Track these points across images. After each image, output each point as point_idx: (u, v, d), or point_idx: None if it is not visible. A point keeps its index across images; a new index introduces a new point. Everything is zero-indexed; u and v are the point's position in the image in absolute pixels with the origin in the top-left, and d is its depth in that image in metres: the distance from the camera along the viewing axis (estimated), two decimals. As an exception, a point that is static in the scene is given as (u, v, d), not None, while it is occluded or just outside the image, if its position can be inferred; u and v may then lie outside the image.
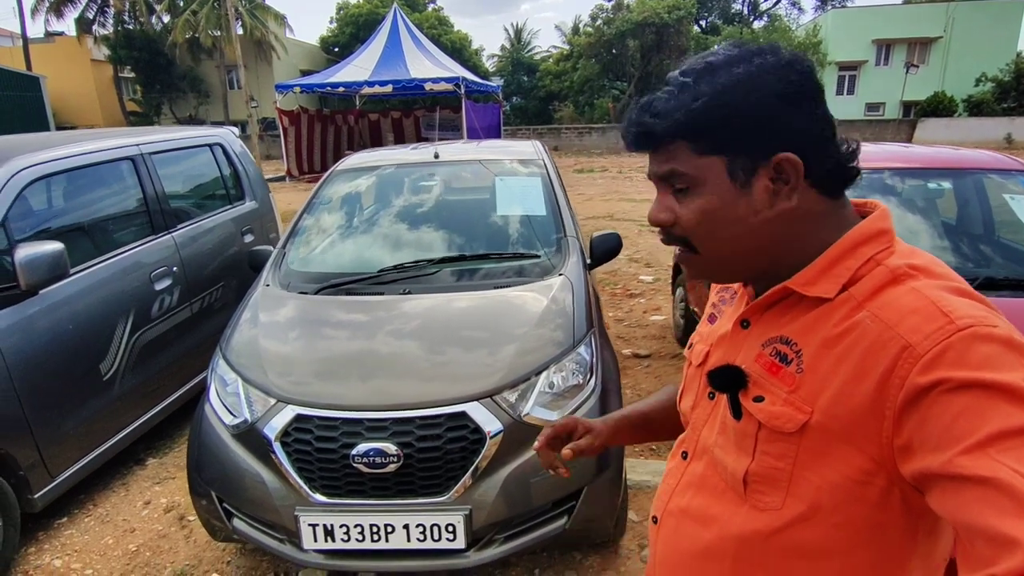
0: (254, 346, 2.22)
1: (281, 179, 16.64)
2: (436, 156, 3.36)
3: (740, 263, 0.76)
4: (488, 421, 1.87)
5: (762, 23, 34.23)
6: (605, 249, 2.84)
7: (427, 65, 17.54)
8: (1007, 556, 0.49)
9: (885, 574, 0.71)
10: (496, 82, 37.35)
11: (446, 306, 2.34)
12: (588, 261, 2.80)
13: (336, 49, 31.07)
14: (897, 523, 0.68)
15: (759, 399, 0.73)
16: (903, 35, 28.57)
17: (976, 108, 25.72)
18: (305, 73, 27.83)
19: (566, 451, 1.04)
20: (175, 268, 3.34)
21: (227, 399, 2.11)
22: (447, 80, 16.75)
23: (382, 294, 2.44)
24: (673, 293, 5.05)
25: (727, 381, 0.78)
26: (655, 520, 0.91)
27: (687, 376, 0.92)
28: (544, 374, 2.02)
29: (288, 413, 1.93)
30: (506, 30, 42.89)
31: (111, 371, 2.83)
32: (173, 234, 3.44)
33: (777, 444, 0.71)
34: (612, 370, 2.26)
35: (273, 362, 2.13)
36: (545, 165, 3.22)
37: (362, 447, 1.83)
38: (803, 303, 0.73)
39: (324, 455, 1.87)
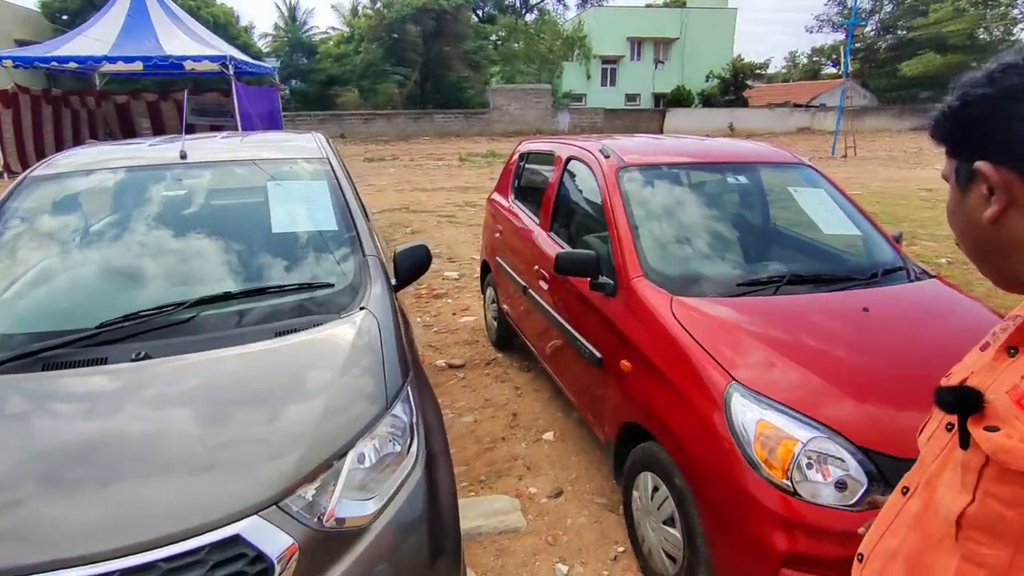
0: None
1: (-6, 176, 13.03)
2: (183, 155, 2.59)
3: (978, 262, 0.76)
4: (275, 540, 1.34)
5: (533, 16, 36.21)
6: (412, 265, 2.41)
7: (185, 41, 15.04)
8: None
9: None
10: (272, 63, 34.01)
11: (203, 371, 1.70)
12: (393, 282, 2.35)
13: (65, 17, 25.40)
14: None
15: (992, 429, 0.65)
16: (650, 34, 32.52)
17: (708, 100, 30.38)
18: (22, 44, 22.13)
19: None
20: None
21: None
22: (211, 59, 14.55)
23: (104, 361, 1.71)
24: (483, 292, 4.82)
25: (955, 400, 0.70)
26: (860, 558, 0.86)
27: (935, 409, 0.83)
28: (351, 452, 1.54)
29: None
30: (278, 7, 39.10)
31: None
32: None
33: (1009, 487, 0.63)
34: (436, 424, 1.86)
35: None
36: (331, 164, 2.66)
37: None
38: None
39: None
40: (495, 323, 4.41)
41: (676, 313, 2.16)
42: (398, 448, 1.67)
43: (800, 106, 28.57)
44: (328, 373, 1.72)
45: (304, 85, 35.74)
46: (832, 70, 38.99)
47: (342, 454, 1.52)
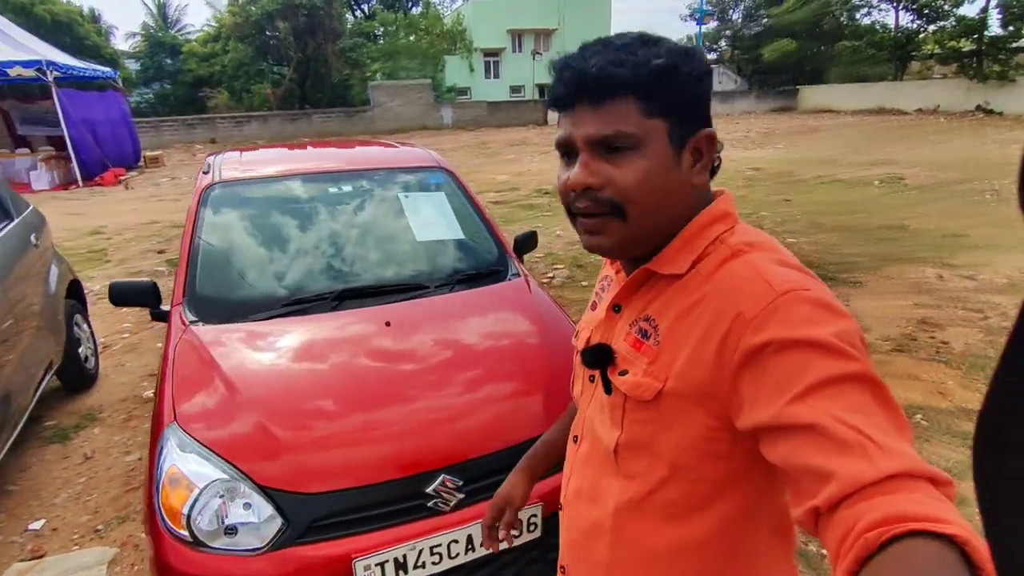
0: None
1: None
2: None
3: (660, 232, 0.78)
4: None
5: (417, 10, 35.53)
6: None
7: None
8: (825, 488, 0.55)
9: (744, 526, 0.77)
10: (133, 66, 31.62)
11: None
12: None
13: None
14: (746, 475, 0.74)
15: (624, 373, 0.79)
16: (530, 26, 32.73)
17: (589, 90, 30.87)
18: None
19: (503, 544, 1.15)
20: None
21: None
22: (24, 64, 13.33)
23: None
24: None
25: (596, 358, 0.83)
26: (560, 506, 0.98)
27: (576, 364, 0.95)
28: None
29: None
30: (145, 4, 36.16)
31: None
32: None
33: (642, 412, 0.77)
34: None
35: None
36: None
37: None
38: (662, 282, 0.78)
39: None
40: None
41: (177, 343, 2.01)
42: None
43: (675, 92, 29.62)
44: None
45: (170, 87, 33.46)
46: (711, 56, 40.86)
47: None
